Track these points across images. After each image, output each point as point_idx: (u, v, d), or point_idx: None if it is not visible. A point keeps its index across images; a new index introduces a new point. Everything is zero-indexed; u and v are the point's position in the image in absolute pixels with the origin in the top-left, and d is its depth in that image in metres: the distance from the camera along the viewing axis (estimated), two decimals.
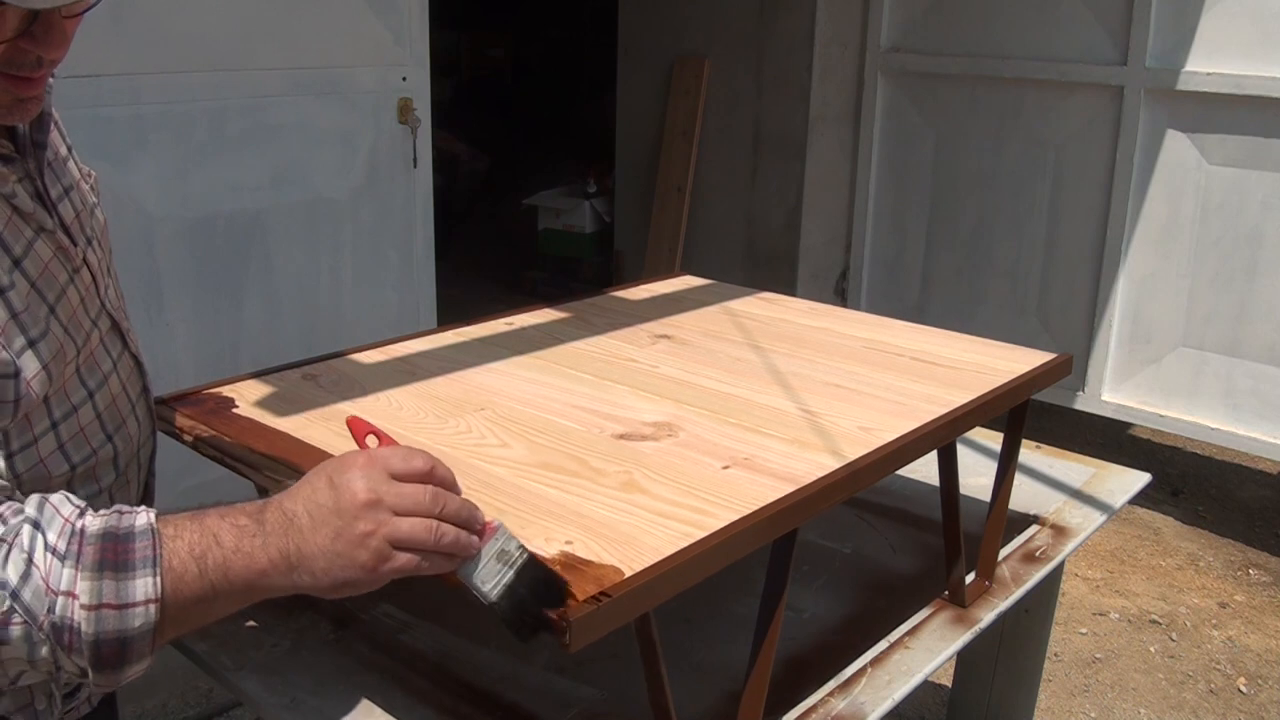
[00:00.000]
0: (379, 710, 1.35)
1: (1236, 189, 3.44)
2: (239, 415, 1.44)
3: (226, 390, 1.52)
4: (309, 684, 1.40)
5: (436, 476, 0.99)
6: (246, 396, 1.50)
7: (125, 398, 1.20)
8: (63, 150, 1.19)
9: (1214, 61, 3.41)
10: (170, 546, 0.92)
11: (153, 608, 0.90)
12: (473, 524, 0.99)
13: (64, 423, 1.08)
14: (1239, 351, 3.51)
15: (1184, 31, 3.46)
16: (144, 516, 0.93)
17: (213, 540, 0.94)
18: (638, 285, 2.15)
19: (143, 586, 0.90)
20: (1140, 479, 2.06)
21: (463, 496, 1.01)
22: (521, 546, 1.01)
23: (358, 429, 1.03)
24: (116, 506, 0.95)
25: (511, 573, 0.99)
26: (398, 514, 0.95)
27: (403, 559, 0.95)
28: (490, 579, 0.98)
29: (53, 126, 1.16)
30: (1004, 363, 1.69)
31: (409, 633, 1.53)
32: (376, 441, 1.04)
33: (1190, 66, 3.45)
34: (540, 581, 0.99)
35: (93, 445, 1.12)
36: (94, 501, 1.10)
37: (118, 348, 1.20)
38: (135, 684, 0.97)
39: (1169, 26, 3.49)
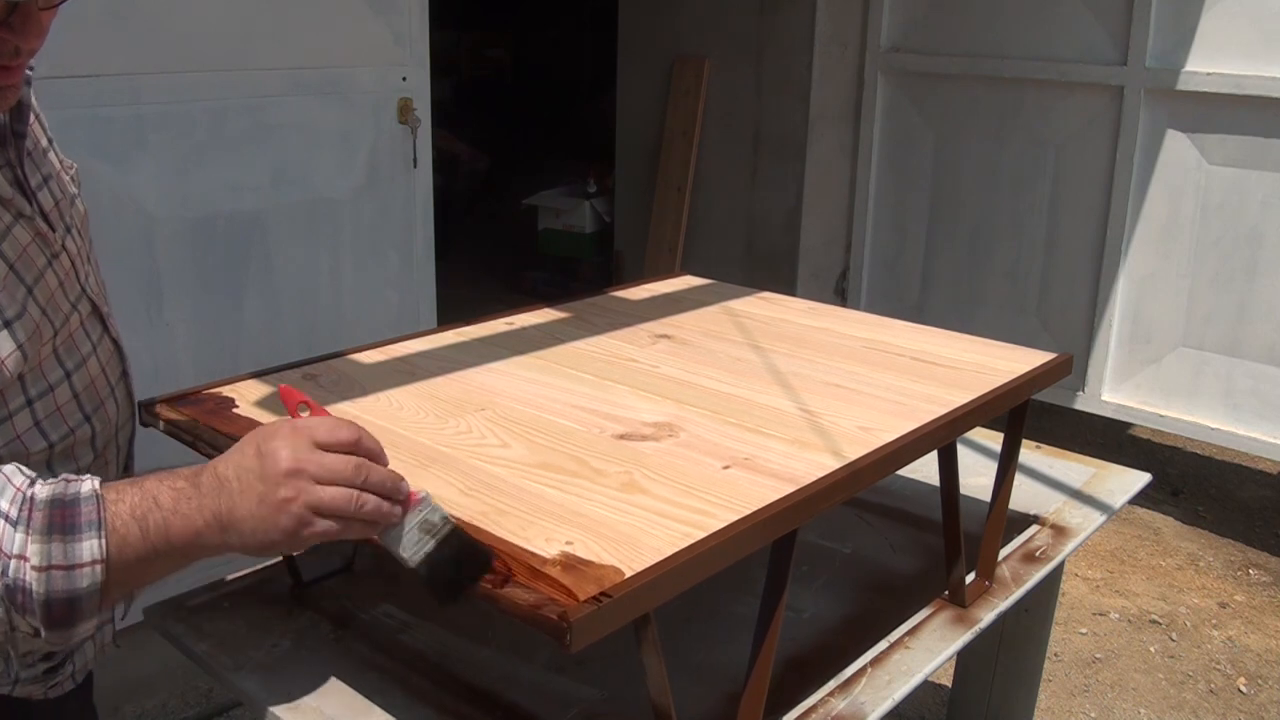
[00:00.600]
0: (379, 710, 1.35)
1: (1236, 189, 3.44)
2: (239, 415, 1.44)
3: (226, 390, 1.52)
4: (309, 684, 1.40)
5: (363, 447, 1.02)
6: (246, 396, 1.50)
7: (104, 380, 1.23)
8: (43, 142, 1.23)
9: (1214, 61, 3.41)
10: (113, 510, 0.96)
11: (99, 568, 0.95)
12: (396, 494, 1.03)
13: (40, 401, 1.12)
14: (1239, 351, 3.51)
15: (1184, 31, 3.46)
16: (89, 483, 0.97)
17: (152, 503, 0.98)
18: (638, 285, 2.15)
19: (89, 548, 0.94)
20: (1140, 479, 2.06)
21: (390, 468, 1.04)
22: (446, 518, 1.05)
23: (290, 399, 1.06)
24: (63, 475, 0.99)
25: (433, 542, 1.04)
26: (319, 482, 0.99)
27: (323, 525, 0.99)
28: (410, 547, 1.03)
29: (33, 118, 1.20)
30: (1004, 363, 1.69)
31: (409, 633, 1.53)
32: (309, 411, 1.08)
33: (1190, 66, 3.45)
34: (465, 551, 1.04)
35: (70, 424, 1.16)
36: None
37: (98, 331, 1.24)
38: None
39: (1169, 26, 3.49)
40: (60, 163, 1.26)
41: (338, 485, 0.99)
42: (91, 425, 1.19)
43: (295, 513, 0.98)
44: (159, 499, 0.99)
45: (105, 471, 1.24)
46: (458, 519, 1.08)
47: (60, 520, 0.94)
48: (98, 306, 1.25)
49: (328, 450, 1.00)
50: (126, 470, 1.32)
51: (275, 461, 0.98)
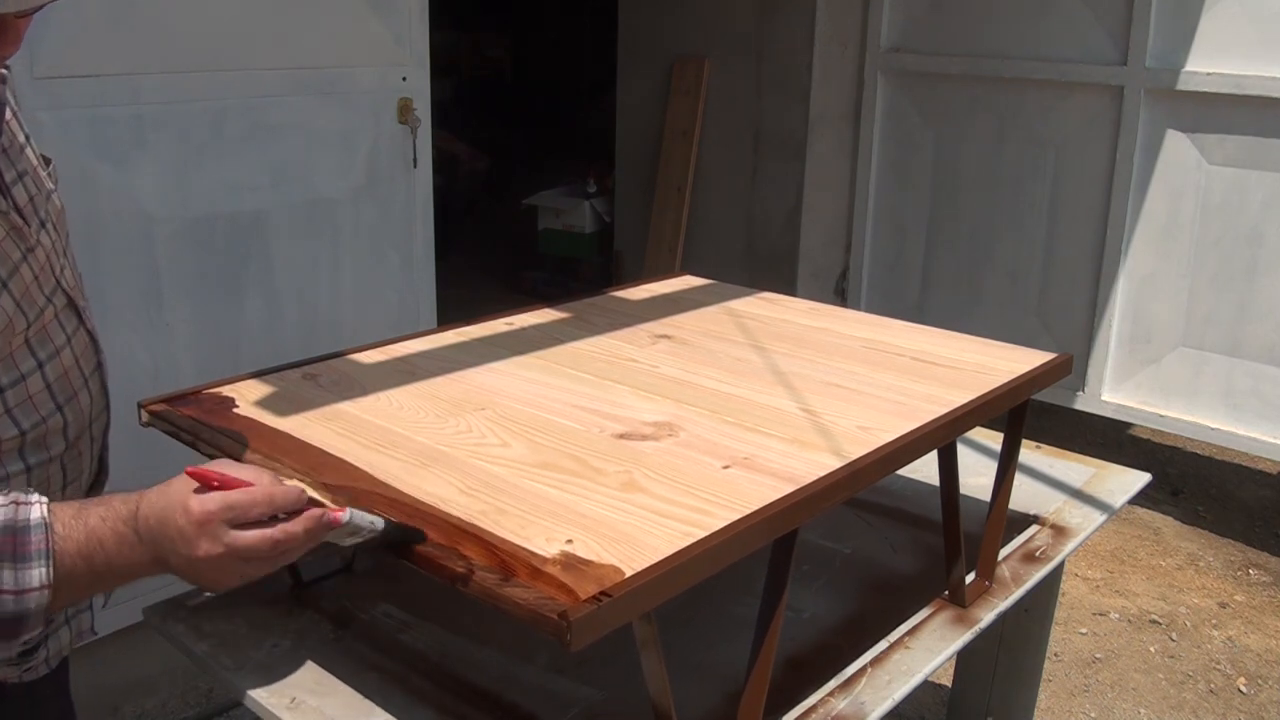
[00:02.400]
0: (379, 710, 1.35)
1: (1236, 189, 3.44)
2: (239, 415, 1.44)
3: (226, 390, 1.52)
4: (309, 684, 1.40)
5: (276, 507, 1.07)
6: (246, 396, 1.50)
7: (78, 371, 1.26)
8: (20, 138, 1.24)
9: (1214, 61, 3.41)
10: (61, 547, 1.03)
11: (45, 592, 1.02)
12: (318, 536, 1.09)
13: (11, 389, 1.15)
14: (1239, 351, 3.51)
15: (1184, 31, 3.46)
16: (38, 510, 1.03)
17: (98, 545, 1.05)
18: (638, 285, 2.15)
19: (38, 576, 1.02)
20: (1140, 479, 2.06)
21: (306, 515, 1.08)
22: (374, 528, 1.11)
23: (201, 479, 1.07)
24: (13, 496, 1.04)
25: (362, 540, 1.12)
26: (243, 560, 1.06)
27: (256, 575, 1.09)
28: (342, 541, 1.13)
29: (9, 115, 1.22)
30: (1004, 363, 1.69)
31: (409, 633, 1.53)
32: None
33: (1190, 66, 3.45)
34: (397, 537, 1.12)
35: (41, 413, 1.19)
36: (45, 468, 1.20)
37: (73, 324, 1.27)
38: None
39: (1169, 26, 3.49)
40: (37, 158, 1.28)
41: (261, 560, 1.07)
42: (64, 415, 1.23)
43: (226, 582, 1.08)
44: (104, 542, 1.05)
45: (79, 461, 1.28)
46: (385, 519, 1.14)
47: (11, 549, 1.01)
48: (73, 300, 1.28)
49: (245, 528, 1.05)
50: (101, 461, 1.36)
51: (196, 552, 1.04)
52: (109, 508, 1.07)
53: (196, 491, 1.04)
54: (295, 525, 1.07)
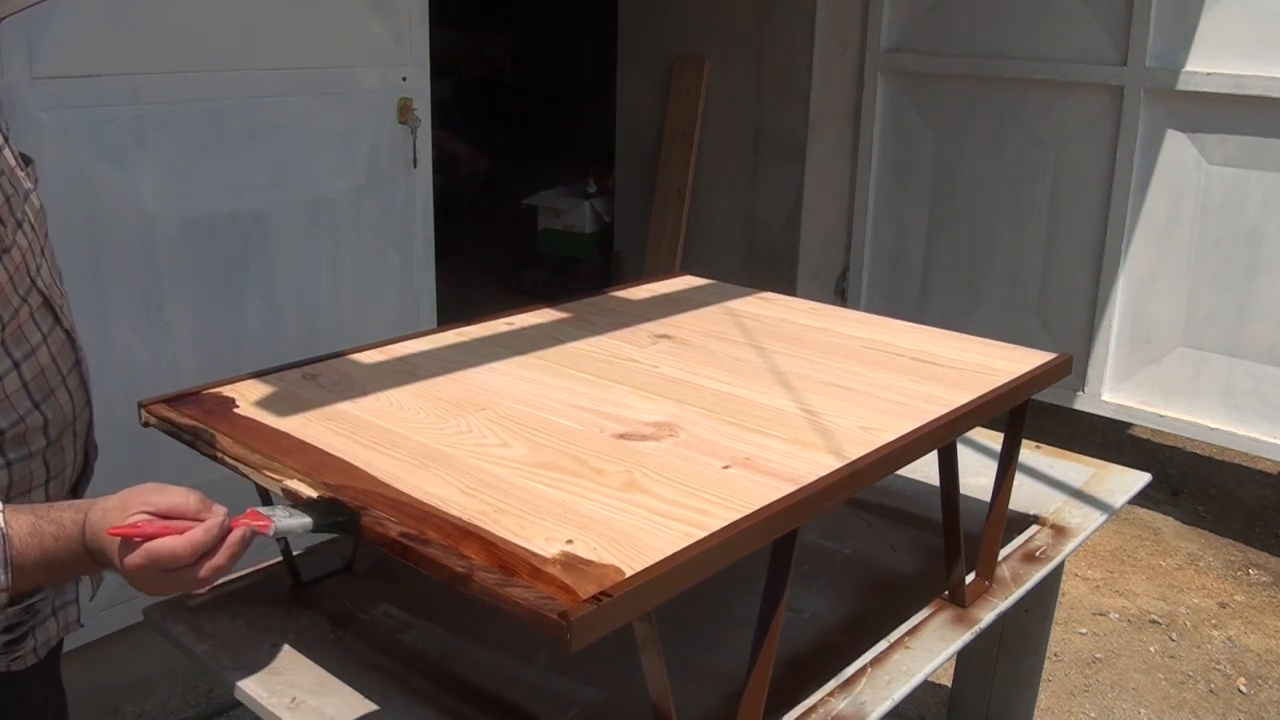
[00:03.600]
0: (379, 710, 1.35)
1: (1236, 189, 3.44)
2: (239, 415, 1.44)
3: (226, 390, 1.52)
4: (309, 684, 1.40)
5: (198, 549, 1.08)
6: (246, 396, 1.50)
7: (55, 369, 1.27)
8: None
9: (1214, 61, 3.41)
10: (18, 562, 1.07)
11: (4, 594, 1.08)
12: (245, 551, 1.13)
13: None
14: (1239, 351, 3.51)
15: (1184, 31, 3.46)
16: None
17: (54, 560, 1.09)
18: (638, 285, 2.15)
19: None
20: (1140, 479, 2.06)
21: (227, 545, 1.10)
22: (304, 525, 1.16)
23: (126, 533, 1.07)
24: None
25: (302, 530, 1.17)
26: (183, 588, 1.10)
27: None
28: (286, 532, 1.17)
29: None
30: (1004, 363, 1.69)
31: (409, 633, 1.53)
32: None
33: (1190, 66, 3.45)
34: (328, 528, 1.18)
35: (19, 412, 1.20)
36: (27, 464, 1.22)
37: (49, 322, 1.27)
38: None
39: (1169, 26, 3.49)
40: (16, 158, 1.28)
41: (197, 588, 1.11)
42: (42, 413, 1.23)
43: (171, 594, 1.12)
44: (59, 558, 1.09)
45: (61, 456, 1.29)
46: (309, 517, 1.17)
47: None
48: (49, 298, 1.28)
49: (174, 572, 1.08)
50: (86, 457, 1.37)
51: (136, 584, 1.08)
52: (60, 527, 1.08)
53: (122, 546, 1.06)
54: (220, 558, 1.09)
